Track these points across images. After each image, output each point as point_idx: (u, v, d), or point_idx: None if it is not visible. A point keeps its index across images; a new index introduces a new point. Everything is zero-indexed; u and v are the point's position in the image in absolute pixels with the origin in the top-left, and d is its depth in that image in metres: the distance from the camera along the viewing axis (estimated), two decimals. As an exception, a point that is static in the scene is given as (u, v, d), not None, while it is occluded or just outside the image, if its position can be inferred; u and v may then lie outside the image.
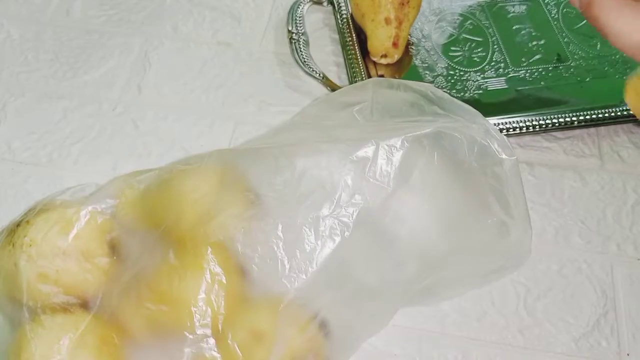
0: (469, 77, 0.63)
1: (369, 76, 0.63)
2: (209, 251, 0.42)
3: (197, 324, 0.41)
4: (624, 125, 0.62)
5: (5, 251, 0.43)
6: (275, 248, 0.43)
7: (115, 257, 0.44)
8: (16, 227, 0.43)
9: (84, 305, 0.43)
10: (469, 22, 0.68)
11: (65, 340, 0.41)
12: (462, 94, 0.62)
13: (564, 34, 0.67)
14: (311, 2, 0.70)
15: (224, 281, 0.42)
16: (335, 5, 0.69)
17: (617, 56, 0.65)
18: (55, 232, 0.43)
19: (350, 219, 0.43)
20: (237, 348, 0.41)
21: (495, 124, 0.59)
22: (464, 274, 0.48)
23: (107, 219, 0.45)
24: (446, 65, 0.65)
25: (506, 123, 0.59)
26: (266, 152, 0.46)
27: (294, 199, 0.44)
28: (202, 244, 0.43)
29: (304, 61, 0.64)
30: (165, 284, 0.42)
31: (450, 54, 0.66)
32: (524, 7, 0.69)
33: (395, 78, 0.62)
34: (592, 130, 0.62)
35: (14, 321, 0.42)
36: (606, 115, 0.60)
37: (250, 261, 0.43)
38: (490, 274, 0.50)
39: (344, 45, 0.66)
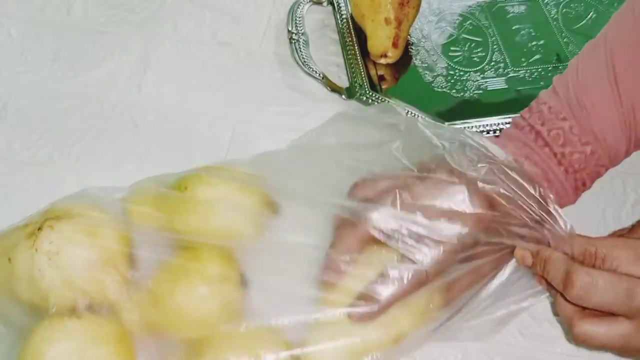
0: (468, 77, 0.63)
1: (369, 76, 0.63)
2: (214, 258, 0.43)
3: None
4: (624, 125, 0.62)
5: (27, 255, 0.43)
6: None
7: (136, 265, 0.44)
8: (38, 231, 0.43)
9: (105, 311, 0.43)
10: (468, 22, 0.68)
11: (85, 346, 0.41)
12: (461, 94, 0.62)
13: (563, 34, 0.67)
14: (311, 2, 0.70)
15: (227, 290, 0.43)
16: (335, 6, 0.69)
17: (617, 56, 0.65)
18: (82, 241, 0.43)
19: None
20: None
21: (495, 124, 0.59)
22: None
23: (129, 227, 0.45)
24: (446, 65, 0.65)
25: (506, 123, 0.59)
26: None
27: None
28: (211, 251, 0.44)
29: (304, 61, 0.64)
30: (176, 289, 0.43)
31: (450, 54, 0.66)
32: (523, 7, 0.70)
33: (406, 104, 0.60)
34: (592, 130, 0.62)
35: (33, 325, 0.42)
36: (606, 115, 0.60)
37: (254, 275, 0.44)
38: None
39: (343, 46, 0.66)
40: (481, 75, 0.64)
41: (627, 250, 0.42)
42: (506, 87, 0.63)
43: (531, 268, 0.45)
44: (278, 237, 0.46)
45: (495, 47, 0.66)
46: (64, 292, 0.42)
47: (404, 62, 0.65)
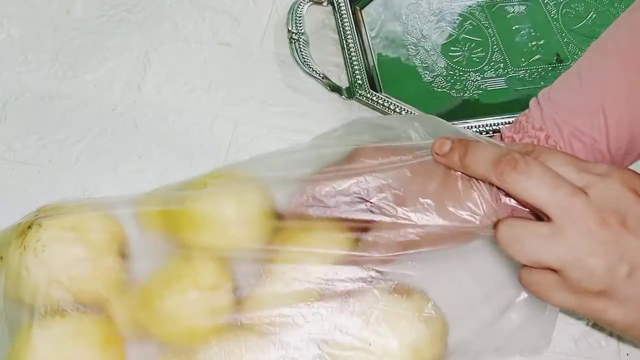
0: (468, 77, 0.64)
1: (369, 77, 0.63)
2: (208, 266, 0.43)
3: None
4: (624, 125, 0.62)
5: (16, 253, 0.42)
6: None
7: (126, 264, 0.44)
8: (27, 229, 0.42)
9: (94, 310, 0.43)
10: (468, 22, 0.68)
11: (73, 344, 0.41)
12: (461, 94, 0.62)
13: (563, 34, 0.67)
14: (311, 2, 0.70)
15: (217, 298, 0.42)
16: (335, 6, 0.69)
17: (617, 56, 0.65)
18: (68, 238, 0.42)
19: None
20: None
21: (494, 124, 0.59)
22: None
23: (119, 226, 0.45)
24: (445, 65, 0.65)
25: (506, 123, 0.60)
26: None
27: None
28: (206, 260, 0.43)
29: (304, 61, 0.64)
30: (170, 294, 0.43)
31: (450, 54, 0.66)
32: (523, 7, 0.70)
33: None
34: (592, 130, 0.62)
35: (21, 323, 0.42)
36: (605, 115, 0.60)
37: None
38: None
39: (344, 46, 0.66)
40: (481, 76, 0.64)
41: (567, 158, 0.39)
42: (506, 87, 0.63)
43: (444, 158, 0.41)
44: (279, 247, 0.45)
45: (495, 47, 0.66)
46: (50, 289, 0.41)
47: (403, 62, 0.65)
